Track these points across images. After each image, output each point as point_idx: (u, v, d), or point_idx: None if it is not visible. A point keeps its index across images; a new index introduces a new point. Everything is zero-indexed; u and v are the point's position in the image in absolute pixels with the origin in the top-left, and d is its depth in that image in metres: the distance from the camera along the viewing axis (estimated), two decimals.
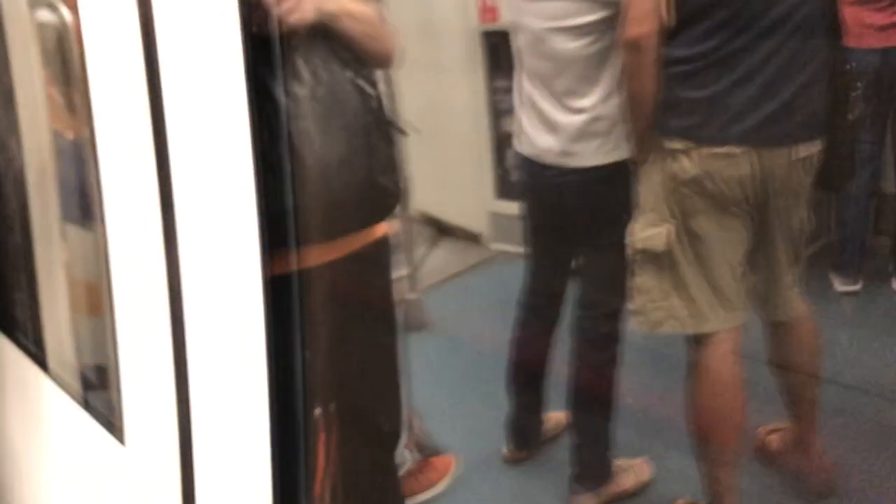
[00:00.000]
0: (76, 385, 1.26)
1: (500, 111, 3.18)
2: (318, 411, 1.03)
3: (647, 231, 1.64)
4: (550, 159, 1.85)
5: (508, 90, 2.18)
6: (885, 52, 1.98)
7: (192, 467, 0.85)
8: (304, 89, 1.10)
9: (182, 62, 0.81)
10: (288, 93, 1.01)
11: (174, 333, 0.84)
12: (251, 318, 0.80)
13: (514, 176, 2.36)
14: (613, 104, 1.73)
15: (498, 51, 3.09)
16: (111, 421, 1.06)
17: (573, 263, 2.02)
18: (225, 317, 0.84)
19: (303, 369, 0.81)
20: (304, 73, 1.11)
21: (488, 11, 3.11)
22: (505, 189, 3.30)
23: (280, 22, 0.91)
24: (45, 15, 1.28)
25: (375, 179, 1.24)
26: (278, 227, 0.82)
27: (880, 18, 1.94)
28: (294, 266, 0.85)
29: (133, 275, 0.95)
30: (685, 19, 1.50)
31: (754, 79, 1.50)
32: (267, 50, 0.82)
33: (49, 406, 1.27)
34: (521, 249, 2.15)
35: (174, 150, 0.83)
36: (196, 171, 0.82)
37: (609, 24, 1.69)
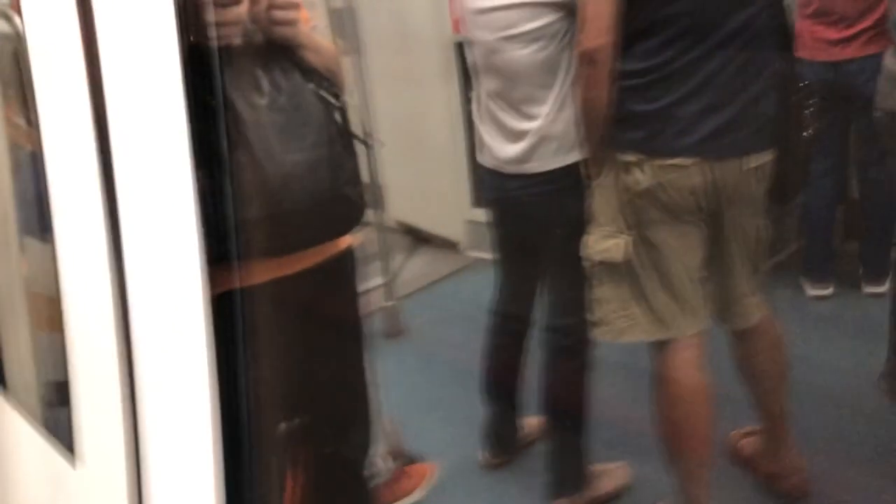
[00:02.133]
0: (35, 404, 1.24)
1: (474, 120, 3.19)
2: (282, 427, 1.02)
3: (605, 243, 1.66)
4: (512, 169, 1.87)
5: None
6: (838, 65, 2.01)
7: (140, 490, 0.83)
8: (263, 98, 1.09)
9: (123, 73, 0.80)
10: (244, 101, 1.00)
11: (121, 352, 0.82)
12: (195, 334, 0.79)
13: (481, 189, 2.38)
14: (568, 107, 1.76)
15: None
16: (68, 442, 1.04)
17: (540, 272, 2.03)
18: (170, 333, 0.83)
19: (248, 387, 0.80)
20: (264, 81, 1.10)
21: (460, 22, 3.11)
22: (481, 197, 3.30)
23: (230, 27, 0.91)
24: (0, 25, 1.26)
25: (338, 191, 1.24)
26: (225, 240, 0.80)
27: (832, 33, 1.97)
28: (244, 281, 0.84)
29: (82, 291, 0.94)
30: (636, 33, 1.52)
31: (704, 92, 1.51)
32: (211, 53, 0.81)
33: (9, 428, 1.24)
34: (493, 263, 2.16)
35: (118, 160, 0.82)
36: (140, 182, 0.81)
37: (557, 28, 1.73)
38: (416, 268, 3.35)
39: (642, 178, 1.58)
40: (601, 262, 1.66)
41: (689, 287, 1.65)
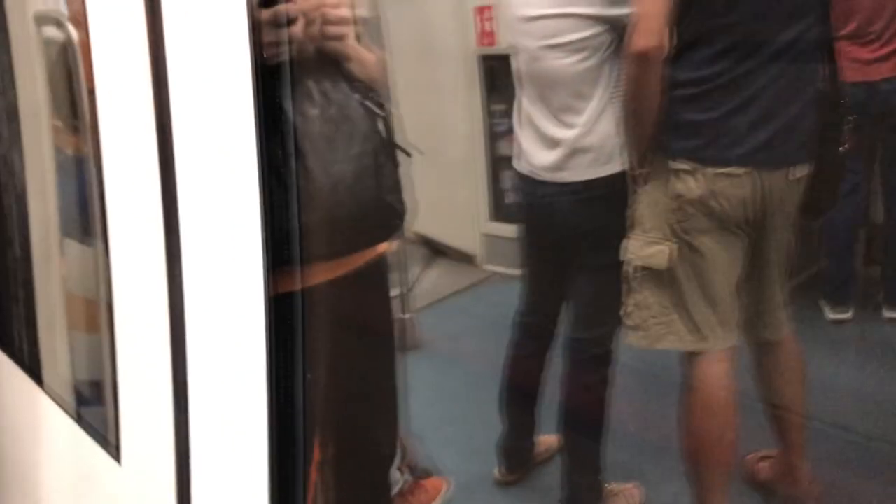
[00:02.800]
0: (71, 401, 1.25)
1: (496, 134, 3.21)
2: (320, 430, 1.03)
3: (648, 249, 1.66)
4: (546, 176, 1.89)
5: (505, 113, 2.20)
6: (872, 85, 2.02)
7: (189, 490, 0.84)
8: (315, 109, 1.12)
9: (191, 79, 0.82)
10: (299, 112, 1.02)
11: (174, 352, 0.83)
12: (253, 336, 0.81)
13: (512, 196, 2.40)
14: (607, 119, 1.78)
15: (495, 74, 3.13)
16: (107, 438, 1.06)
17: (567, 282, 2.04)
18: (226, 335, 0.84)
19: (304, 389, 0.81)
20: (315, 93, 1.13)
21: (486, 35, 3.14)
22: (499, 211, 3.32)
23: (291, 43, 0.93)
24: (51, 31, 1.29)
25: (382, 198, 1.26)
26: (285, 245, 0.82)
27: (865, 53, 1.99)
28: (299, 284, 0.86)
29: (135, 292, 0.96)
30: (690, 43, 1.54)
31: (757, 103, 1.53)
32: (277, 69, 0.83)
33: (44, 422, 1.26)
34: (514, 271, 2.16)
35: (180, 167, 0.84)
36: (202, 189, 0.83)
37: (601, 40, 1.74)
38: (433, 280, 3.36)
39: (695, 185, 1.59)
40: (643, 268, 1.67)
41: (728, 299, 1.66)
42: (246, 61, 0.76)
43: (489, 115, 3.17)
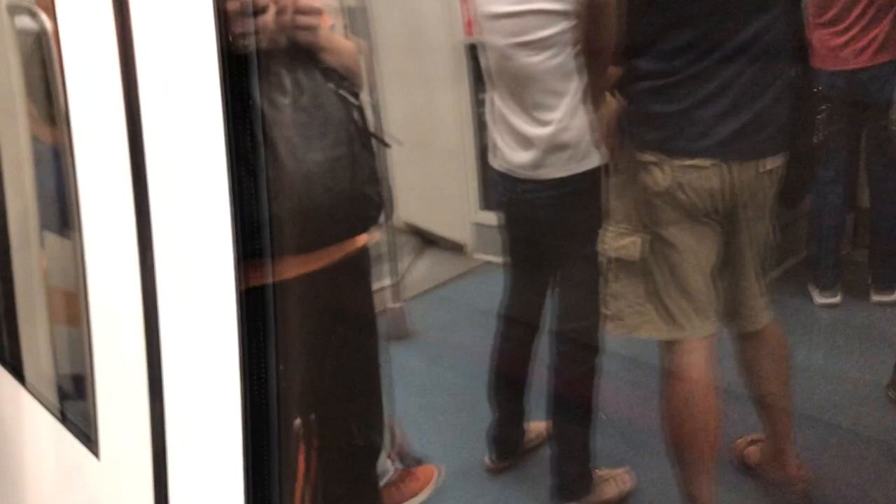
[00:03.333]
0: (52, 396, 1.25)
1: (484, 123, 3.20)
2: (297, 422, 1.03)
3: (621, 240, 1.67)
4: (524, 173, 1.88)
5: None
6: (850, 74, 2.02)
7: (165, 482, 0.84)
8: (286, 98, 1.11)
9: (159, 69, 0.81)
10: (269, 101, 1.01)
11: (148, 346, 0.83)
12: (226, 329, 0.80)
13: (491, 192, 2.40)
14: (581, 115, 1.77)
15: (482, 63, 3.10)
16: (87, 434, 1.05)
17: (550, 276, 2.04)
18: (200, 327, 0.83)
19: (278, 381, 0.81)
20: (287, 81, 1.12)
21: (473, 24, 3.12)
22: (489, 200, 3.31)
23: (260, 32, 0.92)
24: (24, 21, 1.27)
25: (358, 190, 1.25)
26: (256, 236, 0.81)
27: (843, 41, 1.98)
28: (271, 277, 0.85)
29: (108, 285, 0.95)
30: (656, 35, 1.53)
31: (724, 94, 1.52)
32: (246, 58, 0.82)
33: (27, 418, 1.25)
34: (504, 260, 2.16)
35: (150, 157, 0.83)
36: (172, 180, 0.82)
37: (569, 36, 1.73)
38: (423, 270, 3.35)
39: (661, 178, 1.59)
40: (616, 259, 1.67)
41: (703, 289, 1.66)
42: (213, 51, 0.75)
43: (477, 104, 3.16)
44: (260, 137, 0.82)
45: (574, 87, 1.77)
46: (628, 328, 1.71)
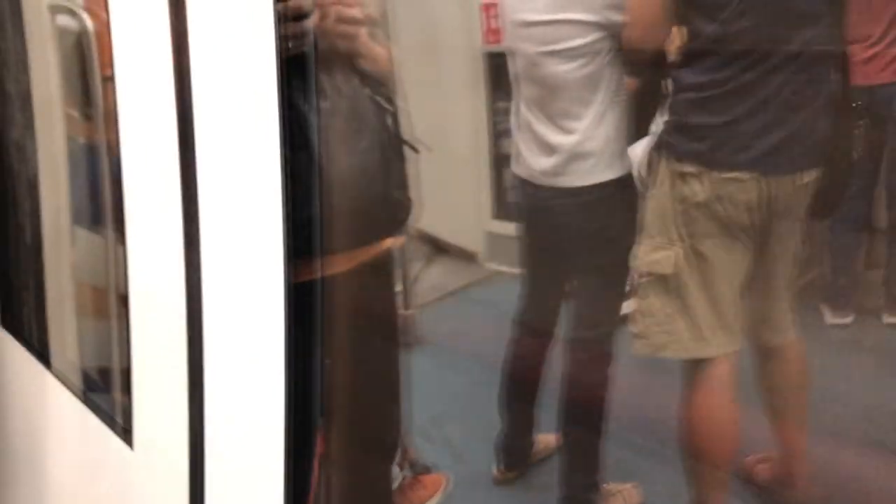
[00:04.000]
0: (78, 384, 1.26)
1: (499, 132, 3.21)
2: (321, 420, 1.03)
3: (655, 254, 1.67)
4: (545, 181, 1.90)
5: (509, 111, 2.20)
6: (872, 89, 2.03)
7: (202, 475, 0.85)
8: (327, 103, 1.13)
9: (214, 69, 0.82)
10: (314, 106, 1.03)
11: (190, 340, 0.84)
12: (271, 324, 0.81)
13: (511, 197, 2.41)
14: (607, 124, 1.78)
15: (500, 72, 3.13)
16: (119, 423, 1.06)
17: (565, 284, 2.05)
18: (243, 323, 0.84)
19: (321, 379, 0.82)
20: (327, 87, 1.14)
21: (492, 33, 3.14)
22: (502, 209, 3.32)
23: (316, 37, 0.94)
24: (65, 20, 1.29)
25: (389, 193, 1.27)
26: (303, 234, 0.83)
27: (867, 55, 2.00)
28: (312, 275, 0.86)
29: (151, 279, 0.96)
30: (700, 48, 1.55)
31: (765, 108, 1.54)
32: (297, 62, 0.83)
33: (54, 406, 1.27)
34: (516, 269, 2.17)
35: (200, 155, 0.84)
36: (222, 178, 0.83)
37: (600, 47, 1.75)
38: (434, 277, 3.36)
39: (700, 189, 1.60)
40: (649, 274, 1.68)
41: (732, 304, 1.67)
42: (271, 52, 0.76)
43: (493, 112, 3.17)
44: (309, 140, 0.83)
45: (601, 98, 1.79)
46: (654, 347, 1.71)
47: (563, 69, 1.80)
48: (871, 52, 1.99)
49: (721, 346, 1.68)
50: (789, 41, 1.52)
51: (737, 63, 1.53)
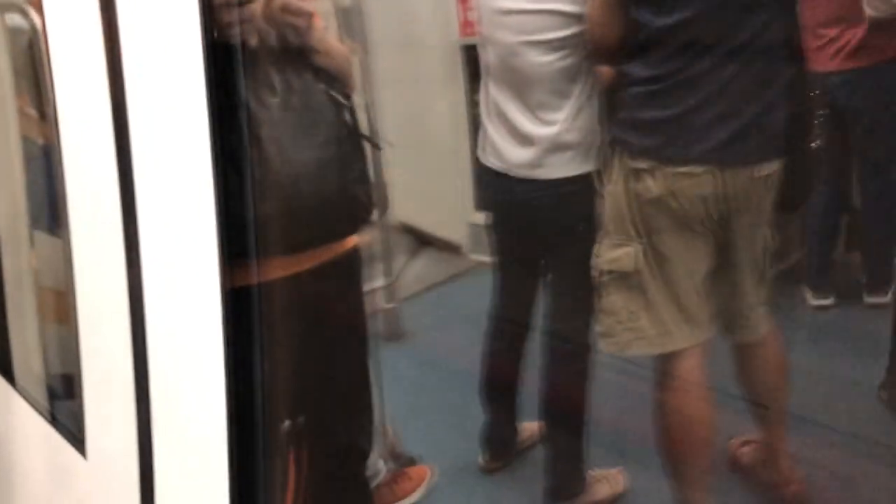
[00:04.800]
0: (42, 395, 1.24)
1: (479, 123, 3.20)
2: (286, 424, 1.02)
3: (614, 252, 1.66)
4: (521, 172, 1.88)
5: None
6: (840, 74, 2.02)
7: (152, 482, 0.84)
8: (276, 98, 1.11)
9: (145, 68, 0.80)
10: (258, 101, 1.01)
11: (135, 345, 0.83)
12: (211, 329, 0.80)
13: (481, 190, 2.39)
14: (585, 116, 1.76)
15: (478, 64, 3.11)
16: (75, 433, 1.05)
17: (541, 276, 2.04)
18: (185, 327, 0.83)
19: (262, 382, 0.81)
20: (276, 81, 1.11)
21: (469, 25, 3.12)
22: (481, 199, 3.30)
23: (246, 24, 0.92)
24: (14, 20, 1.27)
25: (347, 191, 1.25)
26: (242, 236, 0.81)
27: (816, 44, 1.98)
28: (257, 277, 0.85)
29: (95, 284, 0.94)
30: (647, 41, 1.53)
31: (717, 100, 1.52)
32: (233, 54, 0.82)
33: (17, 420, 1.25)
34: (493, 266, 2.16)
35: (137, 156, 0.82)
36: (158, 178, 0.82)
37: (581, 39, 1.72)
38: (418, 270, 3.35)
39: (653, 185, 1.58)
40: (610, 272, 1.67)
41: (695, 297, 1.65)
42: (197, 43, 0.74)
43: (472, 104, 3.15)
44: (245, 135, 0.82)
45: (580, 90, 1.78)
46: (620, 346, 1.70)
47: (542, 60, 1.78)
48: (821, 40, 1.98)
49: (687, 338, 1.67)
50: (734, 32, 1.50)
51: (683, 55, 1.52)
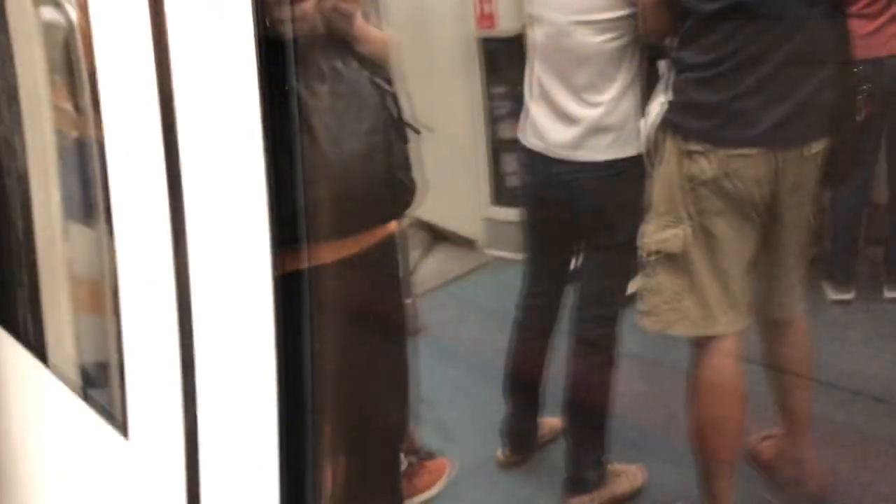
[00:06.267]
0: (76, 380, 1.26)
1: (496, 117, 3.19)
2: (333, 406, 1.03)
3: (663, 233, 1.67)
4: (562, 153, 1.88)
5: (505, 96, 2.17)
6: (876, 62, 2.01)
7: (197, 463, 0.85)
8: (325, 85, 1.12)
9: (194, 57, 0.81)
10: (307, 89, 1.02)
11: (182, 330, 0.83)
12: (261, 314, 0.81)
13: (517, 172, 2.37)
14: (629, 100, 1.77)
15: (495, 57, 3.10)
16: (113, 415, 1.06)
17: (572, 261, 2.04)
18: (234, 313, 0.84)
19: (313, 365, 0.81)
20: (325, 69, 1.13)
21: (486, 18, 3.11)
22: (501, 195, 3.30)
23: (298, 19, 0.93)
24: (50, 13, 1.28)
25: (392, 175, 1.27)
26: (292, 223, 0.82)
27: (869, 27, 1.98)
28: (307, 262, 0.85)
29: (141, 271, 0.95)
30: (696, 27, 1.54)
31: (767, 83, 1.54)
32: (284, 46, 0.83)
33: (49, 400, 1.27)
34: (516, 256, 2.15)
35: (184, 146, 0.83)
36: (206, 166, 0.83)
37: (632, 22, 1.74)
38: (434, 265, 3.35)
39: (708, 167, 1.60)
40: (657, 252, 1.67)
41: (741, 282, 1.67)
42: (249, 37, 0.75)
43: (489, 98, 3.15)
44: (297, 124, 0.83)
45: (625, 73, 1.78)
46: (663, 324, 1.71)
47: (592, 41, 1.78)
48: (874, 24, 1.97)
49: (729, 323, 1.68)
50: (781, 16, 1.51)
51: (731, 41, 1.53)
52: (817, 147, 1.62)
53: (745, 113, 1.57)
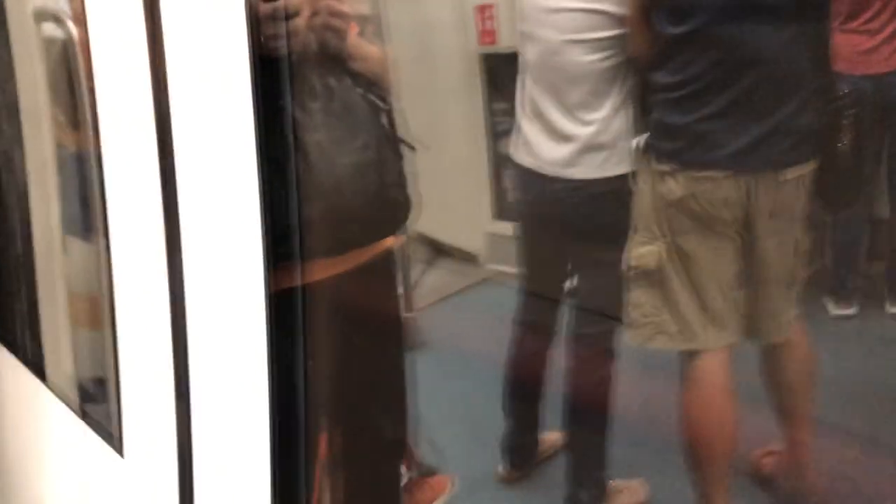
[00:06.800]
0: (74, 396, 1.26)
1: (497, 133, 3.21)
2: (328, 422, 1.03)
3: (641, 249, 1.68)
4: (554, 170, 1.88)
5: (506, 112, 2.18)
6: (878, 78, 2.01)
7: (191, 481, 0.84)
8: (317, 102, 1.12)
9: (189, 74, 0.82)
10: (300, 105, 1.03)
11: (175, 347, 0.83)
12: (254, 331, 0.81)
13: (511, 188, 2.39)
14: (622, 118, 1.78)
15: (496, 73, 3.12)
16: (110, 432, 1.06)
17: (567, 278, 2.05)
18: (227, 329, 0.84)
19: (306, 382, 0.81)
20: (317, 86, 1.13)
21: (487, 34, 3.13)
22: (502, 210, 3.31)
23: (292, 37, 0.93)
24: (50, 29, 1.29)
25: (386, 192, 1.27)
26: (285, 240, 0.82)
27: (868, 43, 1.98)
28: (301, 279, 0.85)
29: (136, 287, 0.96)
30: (666, 48, 1.54)
31: (738, 106, 1.54)
32: (277, 63, 0.83)
33: (47, 417, 1.26)
34: (517, 270, 2.16)
35: (180, 162, 0.83)
36: (201, 183, 0.83)
37: (623, 42, 1.74)
38: (435, 280, 3.35)
39: (675, 187, 1.61)
40: (636, 267, 1.68)
41: (721, 300, 1.66)
42: (244, 55, 0.76)
43: (491, 113, 3.16)
44: (291, 141, 0.83)
45: (618, 91, 1.79)
46: (643, 338, 1.72)
47: (585, 60, 1.79)
48: (874, 40, 1.98)
49: (710, 340, 1.68)
50: (749, 40, 1.51)
51: (698, 63, 1.54)
52: (798, 171, 1.61)
53: (711, 135, 1.57)
